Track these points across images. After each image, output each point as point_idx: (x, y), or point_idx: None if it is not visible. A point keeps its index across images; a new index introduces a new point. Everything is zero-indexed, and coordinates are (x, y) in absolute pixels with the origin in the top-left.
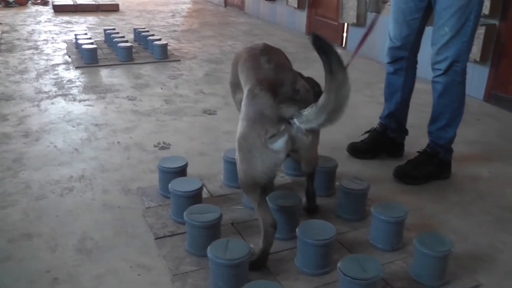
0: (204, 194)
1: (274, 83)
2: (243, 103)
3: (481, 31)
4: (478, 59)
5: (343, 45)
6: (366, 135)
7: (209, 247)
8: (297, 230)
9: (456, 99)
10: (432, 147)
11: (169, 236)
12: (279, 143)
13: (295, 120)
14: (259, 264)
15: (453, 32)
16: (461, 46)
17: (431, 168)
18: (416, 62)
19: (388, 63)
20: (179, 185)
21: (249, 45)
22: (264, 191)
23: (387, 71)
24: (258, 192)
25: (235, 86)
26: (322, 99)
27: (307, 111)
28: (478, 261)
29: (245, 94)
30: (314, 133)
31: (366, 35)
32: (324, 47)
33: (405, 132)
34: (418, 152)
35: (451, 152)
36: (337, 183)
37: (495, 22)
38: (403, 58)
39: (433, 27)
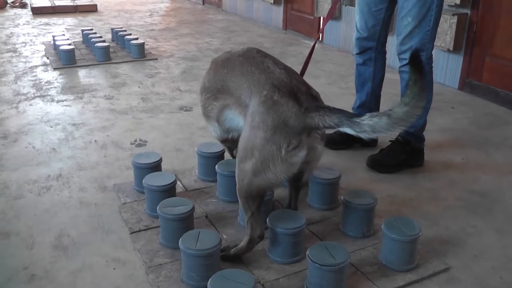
0: (179, 188)
1: (293, 89)
2: (254, 109)
3: (453, 21)
4: (451, 48)
5: (320, 39)
6: None
7: (180, 238)
8: (267, 220)
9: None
10: (403, 136)
11: (144, 230)
12: (300, 156)
13: (345, 128)
14: (232, 260)
15: (416, 22)
16: (424, 36)
17: (404, 156)
18: (384, 52)
19: (357, 54)
20: (153, 180)
21: (228, 51)
22: (262, 201)
23: (357, 62)
24: (257, 202)
25: (214, 92)
26: (402, 111)
27: (371, 121)
28: (448, 245)
29: (257, 101)
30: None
31: (328, 18)
32: (419, 68)
33: None
34: (390, 141)
35: (423, 140)
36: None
37: (467, 11)
38: (371, 49)
39: (397, 18)
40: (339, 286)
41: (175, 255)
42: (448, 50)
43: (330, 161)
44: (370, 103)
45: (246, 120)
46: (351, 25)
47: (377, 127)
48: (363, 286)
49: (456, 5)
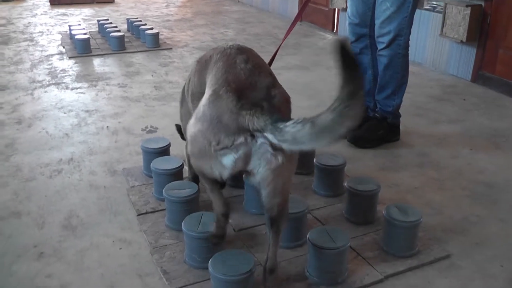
0: (186, 173)
1: (244, 85)
2: (201, 103)
3: (466, 12)
4: (464, 40)
5: (334, 31)
6: None
7: (183, 220)
8: None
9: (400, 70)
10: (380, 113)
11: (150, 212)
12: (229, 159)
13: (267, 134)
14: (213, 242)
15: (394, 7)
16: (402, 21)
17: (382, 131)
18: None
19: (352, 42)
20: (161, 164)
21: (214, 47)
22: (216, 182)
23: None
24: (210, 183)
25: (196, 96)
26: (327, 119)
27: (294, 128)
28: (450, 233)
29: (206, 95)
30: (287, 156)
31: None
32: (350, 61)
33: None
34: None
35: (399, 116)
36: (314, 160)
37: (481, 2)
38: (365, 36)
39: (376, 2)
40: (339, 269)
41: (179, 237)
42: (461, 42)
43: (336, 148)
44: (373, 89)
45: (196, 110)
46: None
47: (298, 137)
48: (364, 270)
49: None
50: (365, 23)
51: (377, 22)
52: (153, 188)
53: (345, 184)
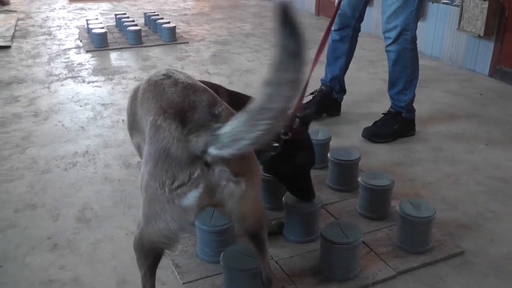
0: None
1: (183, 108)
2: (145, 141)
3: (484, 6)
4: (482, 34)
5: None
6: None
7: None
8: (283, 198)
9: (409, 65)
10: (394, 108)
11: None
12: (190, 198)
13: (210, 150)
14: None
15: (400, 2)
16: (408, 16)
17: (397, 126)
18: (359, 31)
19: (335, 30)
20: None
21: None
22: (158, 261)
23: (333, 38)
24: (150, 260)
25: (133, 129)
26: (261, 97)
27: (230, 126)
28: (464, 229)
29: (147, 131)
30: (249, 178)
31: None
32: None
33: (345, 92)
34: (382, 114)
35: (414, 111)
36: (329, 154)
37: None
38: (349, 26)
39: None
40: (352, 264)
41: (192, 230)
42: (479, 36)
43: (351, 143)
44: (342, 75)
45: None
46: None
47: (235, 132)
48: (377, 266)
49: None
50: (353, 14)
51: (383, 17)
52: None
53: (359, 178)
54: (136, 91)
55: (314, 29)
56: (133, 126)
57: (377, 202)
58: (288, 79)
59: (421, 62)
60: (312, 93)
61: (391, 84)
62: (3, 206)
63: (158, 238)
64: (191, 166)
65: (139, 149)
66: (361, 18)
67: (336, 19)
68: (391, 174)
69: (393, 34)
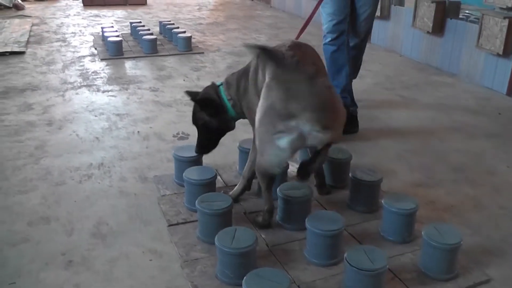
0: (219, 183)
1: (292, 78)
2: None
3: (504, 24)
4: (501, 53)
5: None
6: None
7: (217, 235)
8: (306, 220)
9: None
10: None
11: (182, 223)
12: (285, 141)
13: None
14: (260, 226)
15: (373, 7)
16: (373, 20)
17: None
18: (349, 34)
19: (332, 40)
20: (193, 174)
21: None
22: (272, 180)
23: (331, 51)
24: (267, 181)
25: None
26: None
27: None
28: (490, 255)
29: (264, 87)
30: (337, 127)
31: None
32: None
33: (356, 104)
34: None
35: (357, 106)
36: (350, 174)
37: None
38: (344, 33)
39: (357, 3)
40: None
41: (211, 250)
42: (498, 54)
43: (370, 161)
44: (349, 85)
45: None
46: (400, 24)
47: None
48: None
49: (507, 8)
50: (345, 19)
51: (357, 21)
52: (184, 198)
53: (382, 201)
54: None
55: None
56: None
57: (401, 226)
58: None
59: (437, 78)
60: None
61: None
62: (16, 218)
63: (267, 166)
64: (288, 120)
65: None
66: (349, 21)
67: (331, 29)
68: (413, 196)
69: (362, 35)
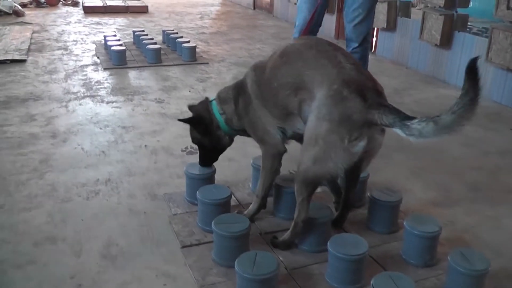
0: (232, 201)
1: (361, 85)
2: (320, 102)
3: None
4: (511, 67)
5: (373, 50)
6: None
7: (236, 260)
8: (328, 244)
9: (367, 60)
10: None
11: (196, 244)
12: (360, 146)
13: (396, 129)
14: (283, 247)
15: (365, 12)
16: (371, 24)
17: None
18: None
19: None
20: (208, 193)
21: (292, 43)
22: (314, 190)
23: None
24: (310, 189)
25: (294, 88)
26: (449, 119)
27: (419, 125)
28: None
29: (325, 93)
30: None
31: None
32: (474, 76)
33: None
34: None
35: None
36: (368, 194)
37: None
38: (314, 33)
39: (347, 7)
40: None
41: (228, 274)
42: (508, 69)
43: (386, 178)
44: None
45: (313, 112)
46: (407, 36)
47: (423, 132)
48: None
49: None
50: (317, 22)
51: (349, 26)
52: (197, 217)
53: (404, 223)
54: (296, 54)
55: None
56: (299, 85)
57: (424, 249)
58: (466, 116)
59: (445, 91)
60: None
61: None
62: (21, 238)
63: (323, 173)
64: (363, 127)
65: (300, 104)
66: (320, 24)
67: (303, 28)
68: (430, 215)
69: (359, 39)
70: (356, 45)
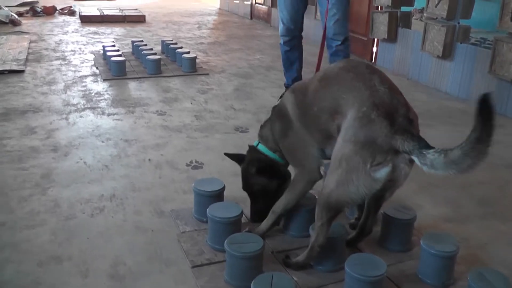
0: (242, 219)
1: (391, 109)
2: (348, 124)
3: None
4: None
5: (373, 60)
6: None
7: (253, 282)
8: (346, 264)
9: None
10: None
11: (206, 264)
12: (383, 172)
13: (414, 157)
14: (295, 268)
15: (340, 13)
16: (347, 23)
17: None
18: (302, 38)
19: (285, 42)
20: (218, 211)
21: (332, 66)
22: (337, 215)
23: (284, 50)
24: (331, 214)
25: (331, 112)
26: (456, 154)
27: (433, 156)
28: None
29: (354, 115)
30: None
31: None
32: (487, 113)
33: None
34: None
35: None
36: (382, 211)
37: None
38: (296, 37)
39: (322, 9)
40: None
41: None
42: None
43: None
44: (300, 77)
45: (341, 133)
46: (408, 47)
47: (434, 164)
48: None
49: None
50: (297, 27)
51: (328, 24)
52: (206, 235)
53: (421, 242)
54: (333, 78)
55: None
56: (336, 109)
57: (441, 269)
58: (472, 155)
59: (448, 103)
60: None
61: None
62: (24, 257)
63: (345, 198)
64: (388, 153)
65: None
66: (302, 28)
67: (285, 33)
68: (451, 235)
69: (341, 37)
70: (339, 43)
